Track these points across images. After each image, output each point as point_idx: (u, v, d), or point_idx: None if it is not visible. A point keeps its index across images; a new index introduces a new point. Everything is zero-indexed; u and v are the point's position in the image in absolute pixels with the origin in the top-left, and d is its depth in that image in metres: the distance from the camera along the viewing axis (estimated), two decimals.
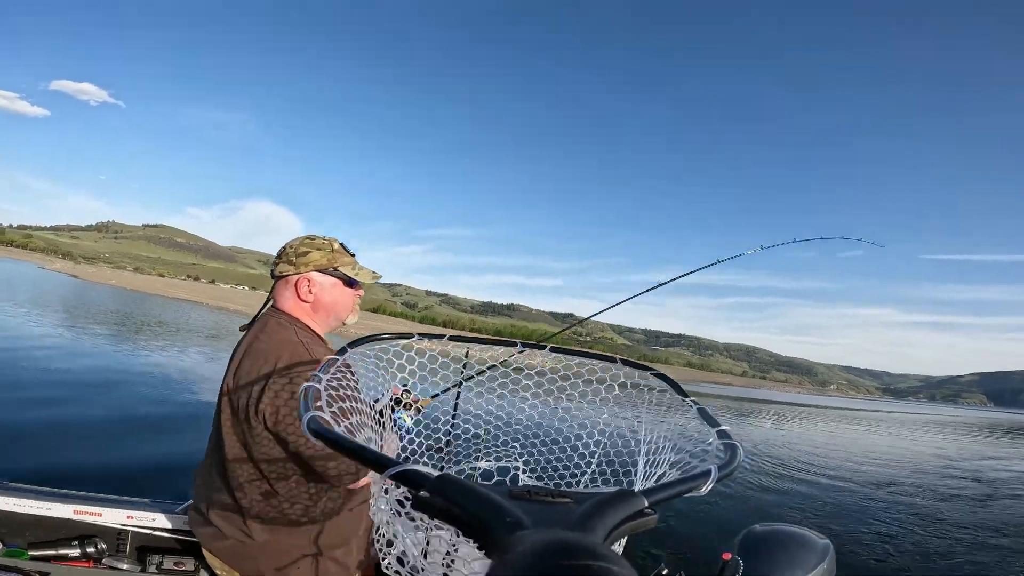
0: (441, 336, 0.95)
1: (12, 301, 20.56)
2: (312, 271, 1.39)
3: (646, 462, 0.77)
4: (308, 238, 1.44)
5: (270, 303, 1.47)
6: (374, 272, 1.51)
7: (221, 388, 1.38)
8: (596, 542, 0.31)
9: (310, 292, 1.40)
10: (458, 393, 1.68)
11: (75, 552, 1.92)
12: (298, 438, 1.23)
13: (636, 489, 0.42)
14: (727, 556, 1.52)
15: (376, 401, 0.89)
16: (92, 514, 1.91)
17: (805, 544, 2.07)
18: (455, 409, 1.57)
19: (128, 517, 1.93)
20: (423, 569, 0.62)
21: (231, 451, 1.32)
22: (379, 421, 0.75)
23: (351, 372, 0.76)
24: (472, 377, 1.55)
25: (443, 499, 0.36)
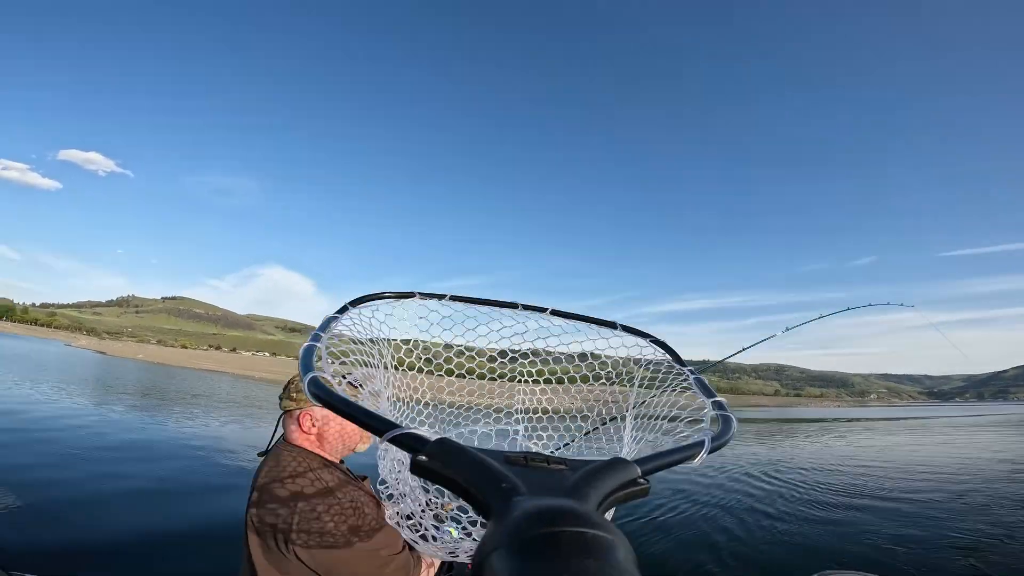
0: (442, 296, 0.95)
1: (46, 381, 20.91)
2: (313, 405, 1.45)
3: (640, 431, 0.77)
4: None
5: (281, 435, 1.54)
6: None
7: (245, 520, 1.37)
8: (590, 509, 0.32)
9: (313, 426, 1.46)
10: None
11: None
12: (339, 568, 1.24)
13: (629, 458, 0.43)
14: None
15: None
16: None
17: None
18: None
19: None
20: (426, 528, 0.61)
21: None
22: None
23: (357, 330, 0.76)
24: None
25: (440, 463, 0.36)
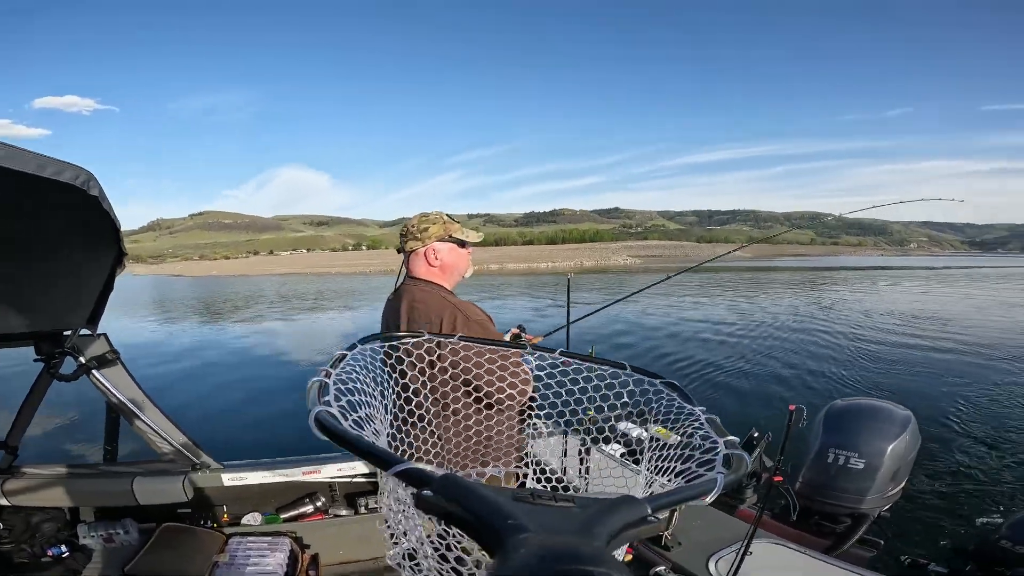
0: (452, 336, 1.04)
1: (159, 312, 21.07)
2: (434, 242, 1.67)
3: (651, 468, 0.77)
4: (422, 217, 1.70)
5: (405, 274, 1.74)
6: (477, 232, 1.78)
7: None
8: (598, 548, 0.31)
9: (436, 259, 1.68)
10: (567, 330, 2.45)
11: (309, 508, 2.38)
12: (474, 377, 1.32)
13: (639, 495, 0.42)
14: (792, 407, 1.71)
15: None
16: (314, 472, 2.31)
17: (886, 416, 2.23)
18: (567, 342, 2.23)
19: (338, 470, 2.32)
20: (429, 568, 0.62)
21: None
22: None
23: (361, 367, 0.77)
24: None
25: (445, 499, 0.36)
